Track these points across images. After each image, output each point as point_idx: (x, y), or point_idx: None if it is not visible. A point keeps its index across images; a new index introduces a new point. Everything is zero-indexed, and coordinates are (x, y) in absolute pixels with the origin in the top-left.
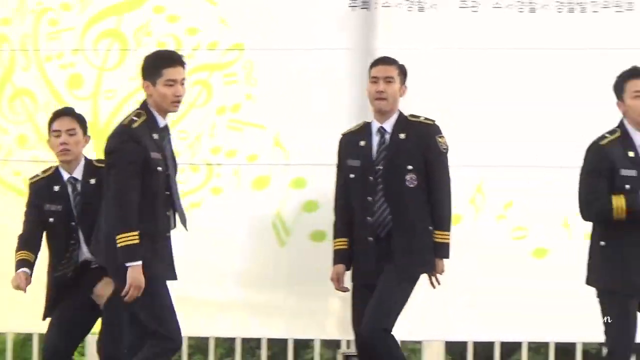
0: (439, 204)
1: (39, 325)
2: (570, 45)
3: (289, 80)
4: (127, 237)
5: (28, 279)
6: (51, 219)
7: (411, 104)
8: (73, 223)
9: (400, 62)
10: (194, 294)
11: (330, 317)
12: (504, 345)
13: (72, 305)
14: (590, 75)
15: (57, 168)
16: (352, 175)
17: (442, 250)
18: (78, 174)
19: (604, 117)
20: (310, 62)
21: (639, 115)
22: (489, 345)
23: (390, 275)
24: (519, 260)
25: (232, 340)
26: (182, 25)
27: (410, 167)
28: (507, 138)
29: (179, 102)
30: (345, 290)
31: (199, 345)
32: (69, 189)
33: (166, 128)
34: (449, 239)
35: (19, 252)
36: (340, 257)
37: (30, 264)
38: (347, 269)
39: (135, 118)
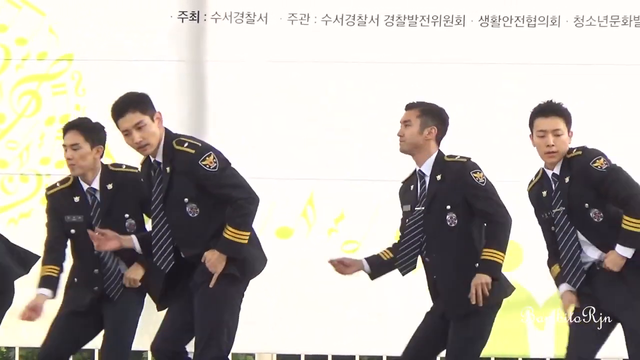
0: (498, 228)
1: None
2: (396, 59)
3: (117, 91)
4: None
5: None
6: (73, 230)
7: (242, 116)
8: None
9: (427, 107)
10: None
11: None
12: (336, 358)
13: None
14: (410, 89)
15: (76, 178)
16: (407, 221)
17: (489, 267)
18: (96, 183)
19: None
20: (139, 73)
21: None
22: (322, 358)
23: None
24: (351, 274)
25: None
26: (11, 35)
27: (448, 207)
28: (337, 150)
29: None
30: None
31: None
32: (89, 199)
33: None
34: (500, 258)
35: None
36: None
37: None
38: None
39: None
